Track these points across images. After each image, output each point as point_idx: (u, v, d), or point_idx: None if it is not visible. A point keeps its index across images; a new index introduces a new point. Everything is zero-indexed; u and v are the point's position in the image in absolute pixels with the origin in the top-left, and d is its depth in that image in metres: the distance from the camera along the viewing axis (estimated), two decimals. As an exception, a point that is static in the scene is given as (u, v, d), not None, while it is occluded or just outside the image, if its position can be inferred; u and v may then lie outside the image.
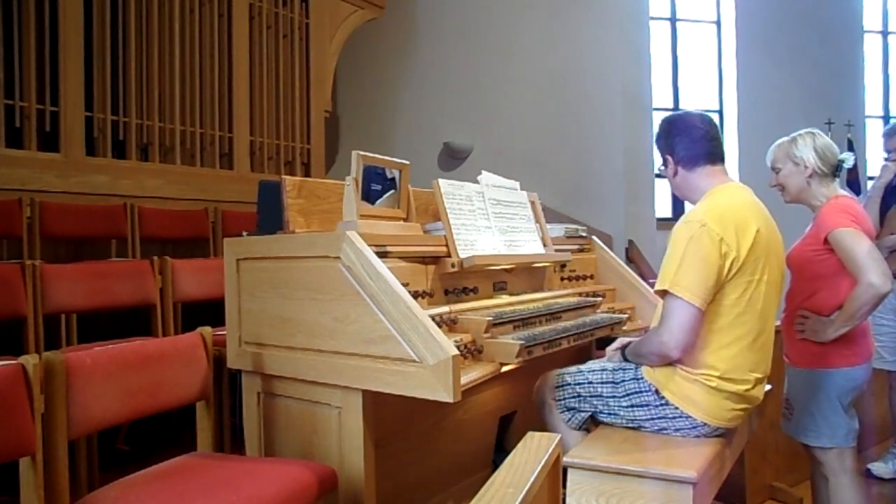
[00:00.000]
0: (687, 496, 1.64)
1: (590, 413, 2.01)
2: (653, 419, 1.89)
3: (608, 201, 6.09)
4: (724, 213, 1.80)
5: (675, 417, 1.86)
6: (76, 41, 3.83)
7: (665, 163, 2.02)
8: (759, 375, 1.86)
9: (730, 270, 1.76)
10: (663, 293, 1.79)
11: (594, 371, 2.02)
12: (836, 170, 2.15)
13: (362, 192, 2.06)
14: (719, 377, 1.80)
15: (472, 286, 2.19)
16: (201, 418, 1.93)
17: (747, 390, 1.83)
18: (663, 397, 1.86)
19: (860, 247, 1.95)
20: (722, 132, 6.76)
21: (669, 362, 1.85)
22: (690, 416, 1.84)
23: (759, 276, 1.79)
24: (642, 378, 1.91)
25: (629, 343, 2.04)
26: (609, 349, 2.12)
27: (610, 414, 1.96)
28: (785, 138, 2.21)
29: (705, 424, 1.84)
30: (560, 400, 2.05)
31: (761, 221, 1.83)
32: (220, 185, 4.55)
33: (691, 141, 1.94)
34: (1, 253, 3.50)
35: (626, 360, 2.02)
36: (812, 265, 2.11)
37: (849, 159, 2.19)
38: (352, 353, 1.76)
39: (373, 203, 2.15)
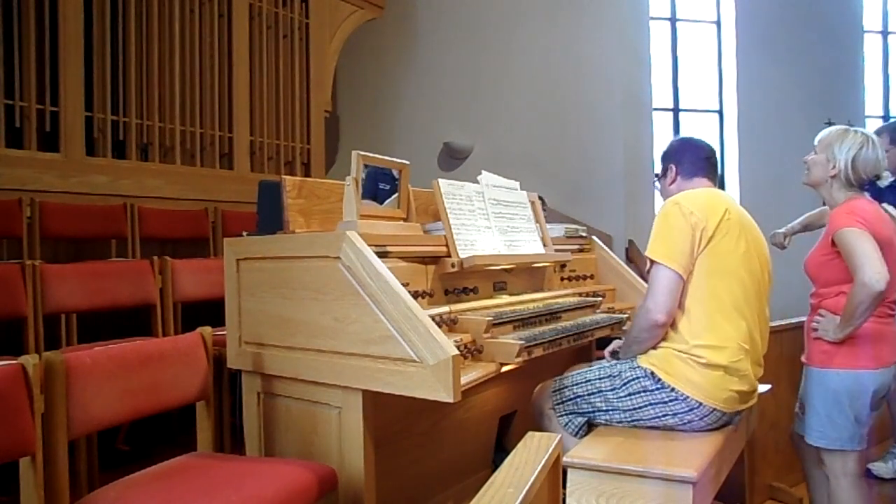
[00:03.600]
0: (687, 496, 1.64)
1: (588, 417, 2.03)
2: (651, 405, 1.91)
3: (608, 201, 6.09)
4: (695, 195, 2.02)
5: (672, 401, 1.89)
6: (76, 41, 3.83)
7: (665, 172, 2.24)
8: (747, 347, 1.92)
9: (701, 240, 1.92)
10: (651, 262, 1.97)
11: (592, 370, 2.07)
12: (865, 184, 2.13)
13: (371, 192, 2.06)
14: (710, 346, 1.86)
15: (472, 286, 2.19)
16: (201, 418, 1.93)
17: (735, 361, 1.88)
18: (660, 380, 1.90)
19: (859, 246, 1.96)
20: (722, 133, 6.83)
21: (660, 335, 1.93)
22: (688, 397, 1.87)
23: (734, 247, 1.94)
24: (638, 365, 1.96)
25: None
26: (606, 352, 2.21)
27: (609, 410, 1.98)
28: (842, 127, 2.16)
29: (701, 405, 1.87)
30: (558, 404, 2.07)
31: (732, 208, 2.01)
32: (220, 185, 4.55)
33: (697, 158, 2.19)
34: (1, 253, 3.50)
35: (616, 358, 2.10)
36: (825, 270, 2.12)
37: (886, 179, 2.15)
38: (352, 353, 1.76)
39: (382, 203, 2.16)
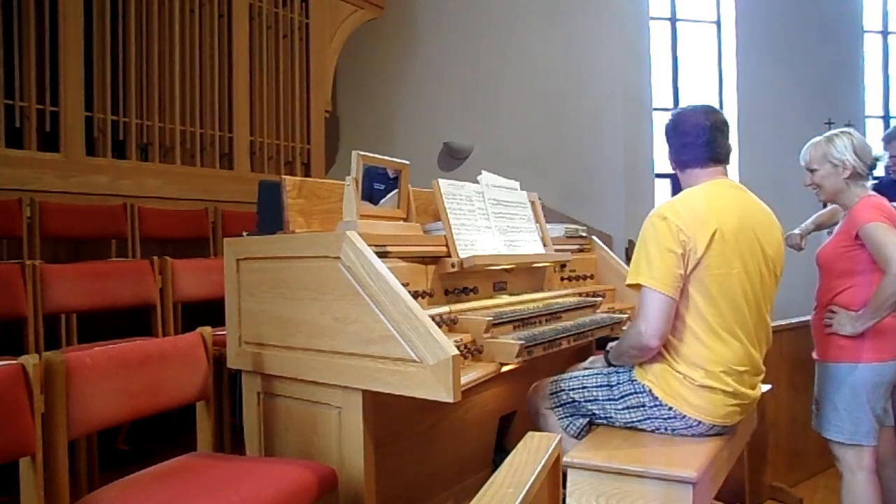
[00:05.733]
0: (687, 496, 1.64)
1: (588, 420, 2.01)
2: (649, 419, 1.89)
3: (608, 201, 6.09)
4: (683, 208, 1.85)
5: (669, 418, 1.86)
6: (76, 41, 3.83)
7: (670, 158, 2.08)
8: (742, 369, 1.84)
9: (689, 260, 1.79)
10: (635, 287, 1.85)
11: (588, 376, 2.03)
12: (871, 168, 2.18)
13: (366, 192, 2.06)
14: (703, 369, 1.81)
15: (472, 286, 2.19)
16: (201, 418, 1.93)
17: (731, 383, 1.82)
18: (657, 397, 1.86)
19: (888, 239, 2.00)
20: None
21: (651, 355, 1.86)
22: (686, 416, 1.84)
23: (727, 271, 1.80)
24: (636, 380, 1.91)
25: (611, 347, 2.07)
26: (591, 358, 2.17)
27: (606, 418, 1.97)
28: (820, 138, 2.22)
29: (700, 423, 1.84)
30: (557, 407, 2.05)
31: (728, 219, 1.83)
32: (220, 185, 4.54)
33: (681, 146, 2.00)
34: (1, 253, 3.50)
35: (610, 364, 2.04)
36: (840, 261, 2.15)
37: (883, 157, 2.21)
38: (352, 353, 1.76)
39: (376, 203, 2.15)
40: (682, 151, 2.00)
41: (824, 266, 2.23)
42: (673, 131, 2.02)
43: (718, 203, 1.86)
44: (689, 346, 1.83)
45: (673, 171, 2.09)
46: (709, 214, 1.82)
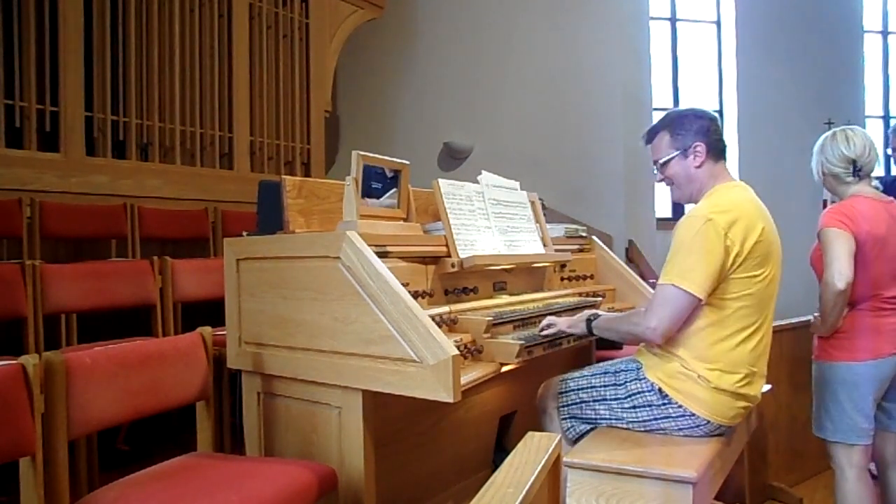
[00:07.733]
0: (687, 496, 1.64)
1: (591, 425, 2.00)
2: (656, 419, 1.89)
3: (608, 201, 6.09)
4: (731, 208, 1.81)
5: (678, 416, 1.86)
6: (76, 41, 3.83)
7: (688, 151, 1.95)
8: (755, 370, 1.86)
9: (732, 263, 1.77)
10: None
11: (596, 375, 2.02)
12: (857, 173, 2.16)
13: (363, 192, 2.05)
14: (720, 371, 1.81)
15: (472, 286, 2.19)
16: (201, 418, 1.93)
17: (743, 386, 1.83)
18: (666, 395, 1.86)
19: (831, 246, 2.06)
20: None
21: (662, 353, 1.87)
22: (694, 415, 1.84)
23: (764, 273, 1.82)
24: (645, 378, 1.91)
25: (596, 314, 2.05)
26: (573, 318, 2.08)
27: (613, 418, 1.96)
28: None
29: (708, 422, 1.84)
30: (563, 407, 2.05)
31: (766, 220, 1.87)
32: (220, 185, 4.54)
33: (720, 137, 1.98)
34: (1, 253, 3.50)
35: (590, 331, 2.02)
36: (819, 264, 2.19)
37: (861, 158, 2.17)
38: (352, 353, 1.76)
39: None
40: (722, 141, 1.96)
41: (813, 269, 2.29)
42: (707, 121, 1.96)
43: (754, 203, 1.89)
44: (712, 347, 1.81)
45: (696, 167, 1.94)
46: (756, 215, 1.83)
